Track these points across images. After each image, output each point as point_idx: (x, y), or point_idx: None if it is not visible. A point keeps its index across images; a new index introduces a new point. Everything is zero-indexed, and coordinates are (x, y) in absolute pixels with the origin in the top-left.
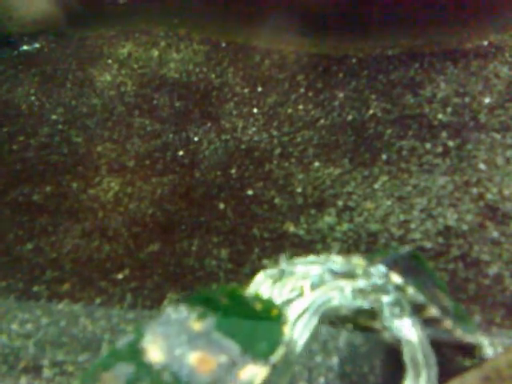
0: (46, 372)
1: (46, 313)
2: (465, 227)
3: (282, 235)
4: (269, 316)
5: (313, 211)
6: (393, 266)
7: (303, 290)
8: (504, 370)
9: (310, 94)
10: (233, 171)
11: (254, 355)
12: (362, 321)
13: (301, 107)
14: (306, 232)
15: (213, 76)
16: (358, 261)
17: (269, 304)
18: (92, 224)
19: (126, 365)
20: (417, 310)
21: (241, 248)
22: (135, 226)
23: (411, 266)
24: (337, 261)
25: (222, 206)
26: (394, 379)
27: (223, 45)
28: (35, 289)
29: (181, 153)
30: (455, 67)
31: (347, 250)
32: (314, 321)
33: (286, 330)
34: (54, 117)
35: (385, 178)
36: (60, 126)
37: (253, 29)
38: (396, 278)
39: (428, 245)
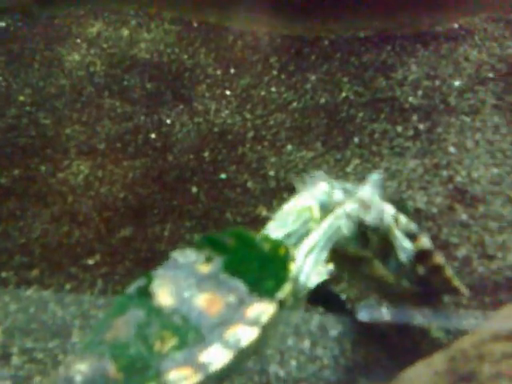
0: (15, 360)
1: (14, 299)
2: (434, 210)
3: (255, 219)
4: (276, 255)
5: (285, 195)
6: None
7: (312, 211)
8: (469, 350)
9: (283, 76)
10: (206, 154)
11: (260, 293)
12: (352, 250)
13: (274, 90)
14: None
15: (185, 57)
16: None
17: (276, 243)
18: (61, 208)
19: (136, 310)
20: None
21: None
22: (106, 211)
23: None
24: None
25: (194, 189)
26: (365, 361)
27: (195, 25)
28: (3, 275)
29: (153, 135)
30: (426, 50)
31: None
32: (325, 254)
33: (293, 266)
34: (21, 98)
35: (357, 161)
36: (27, 108)
37: (225, 9)
38: (389, 208)
39: None
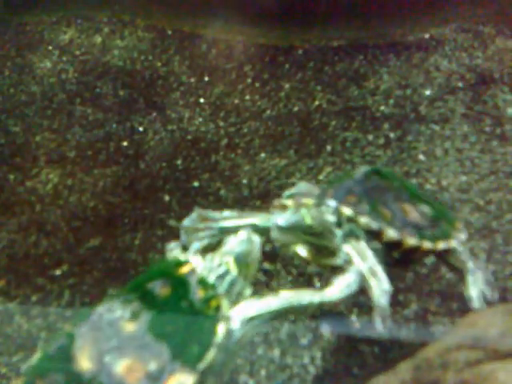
0: None
1: None
2: None
3: None
4: (207, 309)
5: (258, 202)
6: (346, 195)
7: (229, 265)
8: (434, 359)
9: (257, 84)
10: (178, 162)
11: (183, 361)
12: (323, 260)
13: (247, 98)
14: None
15: (158, 64)
16: (306, 201)
17: (210, 293)
18: (29, 218)
19: (56, 373)
20: (375, 235)
21: None
22: (75, 220)
23: (370, 187)
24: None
25: (167, 198)
26: (335, 369)
27: (169, 32)
28: None
29: (125, 143)
30: (398, 59)
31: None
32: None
33: (221, 329)
34: None
35: (329, 169)
36: None
37: (200, 17)
38: (347, 210)
39: None
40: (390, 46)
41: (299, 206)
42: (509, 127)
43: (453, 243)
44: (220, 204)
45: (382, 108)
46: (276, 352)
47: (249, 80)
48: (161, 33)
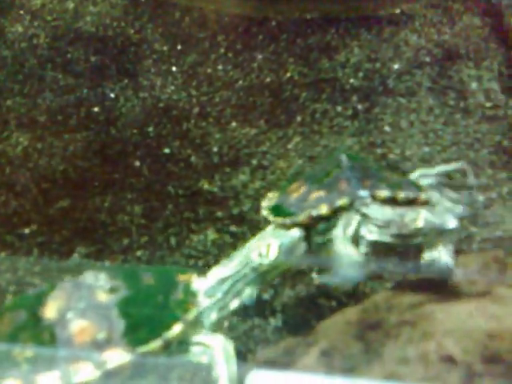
0: None
1: None
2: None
3: (197, 192)
4: (177, 308)
5: (228, 169)
6: (362, 181)
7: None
8: (380, 302)
9: (230, 54)
10: (150, 129)
11: (128, 340)
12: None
13: (220, 67)
14: (219, 189)
15: (131, 31)
16: (342, 202)
17: (187, 299)
18: None
19: (23, 312)
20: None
21: (155, 204)
22: (44, 182)
23: (360, 169)
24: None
25: (137, 163)
26: (294, 320)
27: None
28: None
29: (96, 109)
30: (369, 33)
31: (258, 206)
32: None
33: (176, 328)
34: None
35: (298, 138)
36: None
37: None
38: (382, 193)
39: None
40: (362, 20)
41: (338, 210)
42: (472, 101)
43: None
44: (190, 170)
45: (352, 80)
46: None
47: (222, 50)
48: (134, 0)
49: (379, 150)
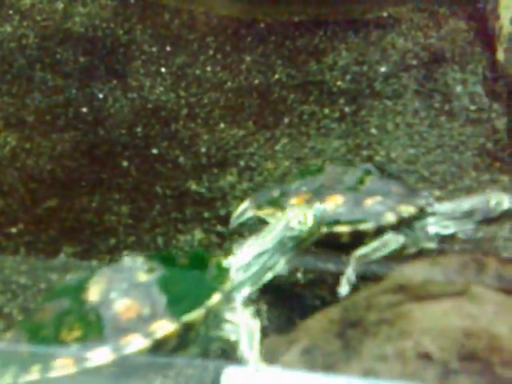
0: None
1: None
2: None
3: (184, 193)
4: (213, 281)
5: (215, 170)
6: None
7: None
8: (360, 301)
9: (219, 56)
10: (138, 130)
11: (173, 312)
12: None
13: (209, 69)
14: (207, 190)
15: (120, 32)
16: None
17: (221, 273)
18: None
19: (65, 299)
20: None
21: (142, 205)
22: (32, 182)
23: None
24: None
25: (125, 163)
26: (278, 319)
27: (132, 1)
28: None
29: (84, 109)
30: (356, 36)
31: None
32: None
33: (216, 297)
34: None
35: (285, 140)
36: None
37: None
38: None
39: None
40: (350, 23)
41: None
42: (457, 104)
43: None
44: (178, 170)
45: (339, 83)
46: None
47: (211, 51)
48: (123, 1)
49: (365, 152)
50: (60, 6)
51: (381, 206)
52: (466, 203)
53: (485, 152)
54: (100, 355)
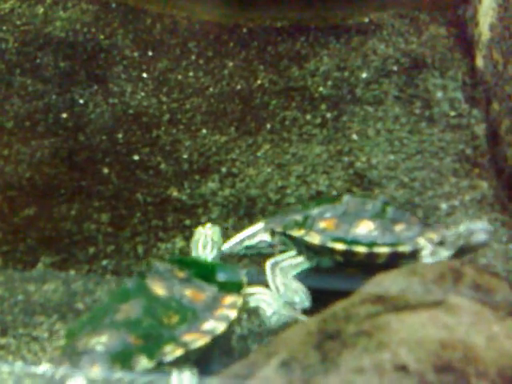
0: None
1: None
2: (334, 192)
3: (166, 200)
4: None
5: (197, 177)
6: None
7: None
8: (339, 312)
9: (201, 61)
10: (119, 136)
11: (227, 291)
12: None
13: (191, 74)
14: (188, 197)
15: (101, 37)
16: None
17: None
18: None
19: (138, 298)
20: None
21: (123, 212)
22: (10, 190)
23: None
24: None
25: (106, 170)
26: (259, 329)
27: (113, 6)
28: None
29: (64, 115)
30: (338, 42)
31: (226, 214)
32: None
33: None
34: None
35: (267, 146)
36: None
37: None
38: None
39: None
40: (331, 28)
41: None
42: (437, 110)
43: None
44: (160, 177)
45: (321, 89)
46: None
47: (193, 57)
48: (104, 6)
49: (346, 159)
50: (40, 10)
51: (410, 232)
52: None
53: (464, 158)
54: (214, 325)
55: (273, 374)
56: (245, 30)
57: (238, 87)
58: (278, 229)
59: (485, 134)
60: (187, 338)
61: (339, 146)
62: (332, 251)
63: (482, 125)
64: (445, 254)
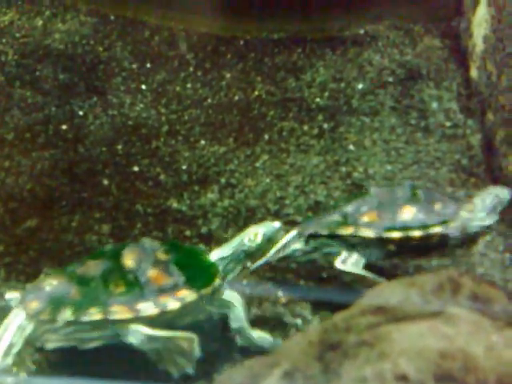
0: None
1: None
2: (332, 203)
3: (165, 211)
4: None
5: (196, 188)
6: None
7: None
8: (339, 323)
9: (199, 73)
10: (119, 147)
11: (191, 285)
12: None
13: (189, 86)
14: (188, 208)
15: (100, 49)
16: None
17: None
18: None
19: (106, 260)
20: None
21: (123, 223)
22: (12, 202)
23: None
24: None
25: (106, 182)
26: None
27: (112, 18)
28: None
29: (64, 127)
30: (334, 53)
31: (226, 224)
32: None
33: (217, 280)
34: None
35: (265, 156)
36: None
37: (143, 4)
38: None
39: (299, 219)
40: (327, 40)
41: None
42: (432, 120)
43: None
44: (159, 188)
45: (318, 100)
46: None
47: (191, 68)
48: (103, 18)
49: (344, 169)
50: (39, 22)
51: (449, 209)
52: (486, 199)
53: (460, 168)
54: (147, 308)
55: None
56: (242, 42)
57: (236, 98)
58: (323, 232)
59: (480, 144)
60: (114, 308)
61: (336, 156)
62: (385, 241)
63: (477, 135)
64: (495, 217)
